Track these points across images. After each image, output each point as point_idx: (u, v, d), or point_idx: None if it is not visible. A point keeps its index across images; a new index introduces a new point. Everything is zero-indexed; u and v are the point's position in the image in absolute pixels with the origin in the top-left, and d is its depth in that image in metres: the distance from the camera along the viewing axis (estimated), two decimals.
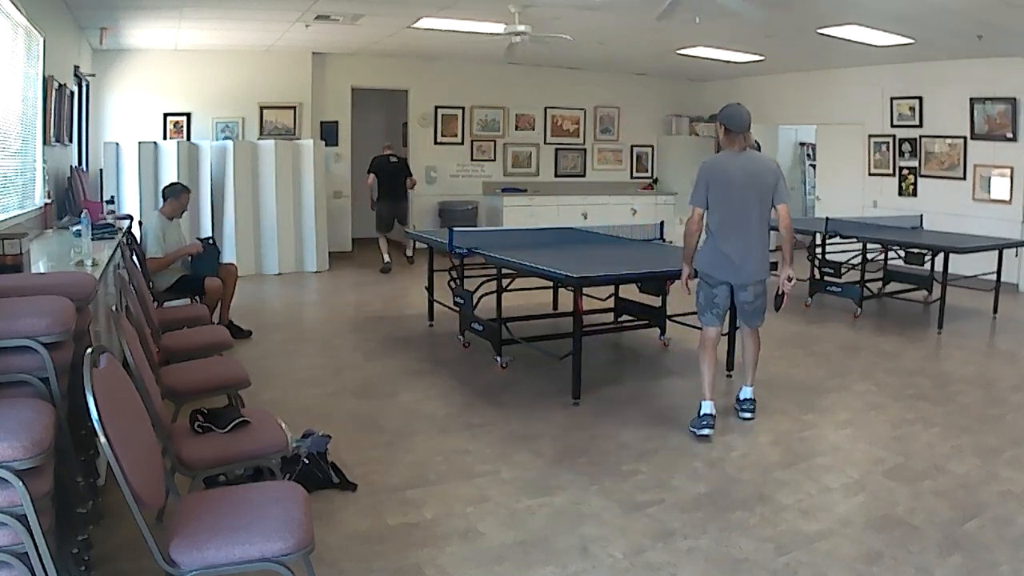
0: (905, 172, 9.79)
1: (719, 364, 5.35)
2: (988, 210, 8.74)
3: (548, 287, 6.44)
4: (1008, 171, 8.64)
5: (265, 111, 9.97)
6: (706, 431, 4.11)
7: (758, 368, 4.56)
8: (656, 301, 6.02)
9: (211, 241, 6.25)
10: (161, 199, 6.08)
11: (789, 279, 4.22)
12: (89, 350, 1.96)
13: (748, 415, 4.40)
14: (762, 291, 4.32)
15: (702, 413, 4.17)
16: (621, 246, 6.23)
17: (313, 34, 8.50)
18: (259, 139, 9.65)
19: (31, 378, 2.25)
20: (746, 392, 4.48)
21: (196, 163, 8.88)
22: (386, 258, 9.49)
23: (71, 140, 7.16)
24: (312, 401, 4.71)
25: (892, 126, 9.84)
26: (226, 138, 9.59)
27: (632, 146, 12.52)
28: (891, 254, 7.72)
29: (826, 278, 7.66)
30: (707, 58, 9.78)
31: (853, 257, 7.57)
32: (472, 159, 11.45)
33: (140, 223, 6.49)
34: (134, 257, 5.23)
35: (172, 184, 6.22)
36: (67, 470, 2.37)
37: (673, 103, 12.57)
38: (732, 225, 4.13)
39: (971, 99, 8.86)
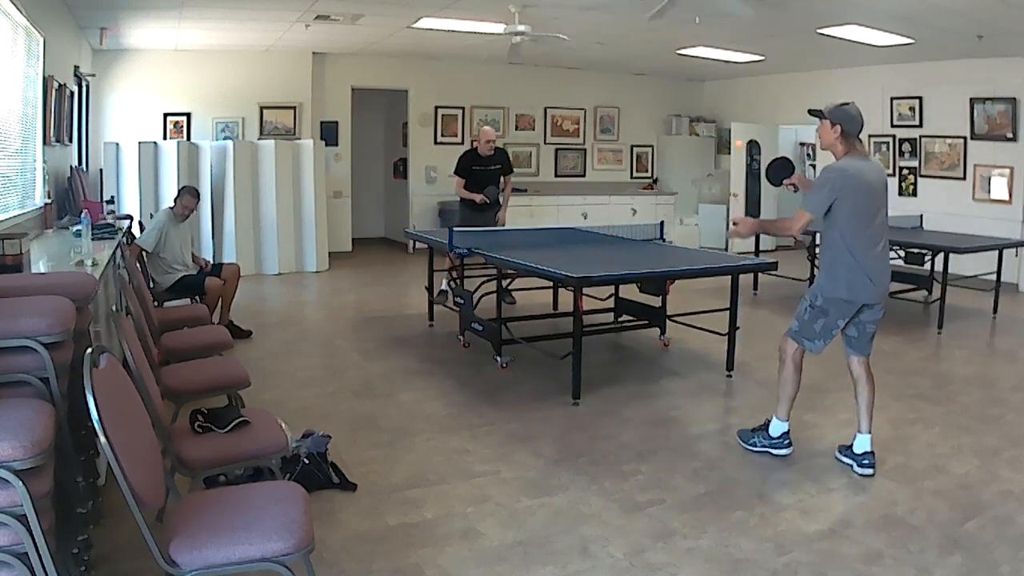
0: (905, 172, 9.79)
1: (722, 365, 5.37)
2: (988, 210, 8.74)
3: (548, 287, 6.44)
4: (1008, 171, 8.65)
5: (265, 111, 9.96)
6: (786, 451, 3.89)
7: (767, 371, 4.33)
8: (656, 301, 6.02)
9: (208, 267, 6.20)
10: (176, 198, 6.09)
11: (735, 223, 4.03)
12: (89, 350, 1.96)
13: (870, 471, 3.66)
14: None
15: (783, 433, 3.90)
16: (621, 246, 6.23)
17: (313, 34, 8.50)
18: (259, 139, 9.65)
19: (31, 378, 2.25)
20: (864, 443, 3.73)
21: (196, 163, 8.88)
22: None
23: (71, 140, 7.16)
24: (312, 401, 4.71)
25: (892, 126, 9.84)
26: (226, 138, 9.59)
27: (632, 146, 12.52)
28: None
29: None
30: (707, 58, 9.78)
31: None
32: None
33: (141, 224, 6.49)
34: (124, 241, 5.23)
35: (186, 186, 6.29)
36: (67, 470, 2.37)
37: (673, 103, 12.58)
38: (877, 240, 3.65)
39: (971, 99, 8.86)
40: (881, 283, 3.70)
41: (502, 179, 7.31)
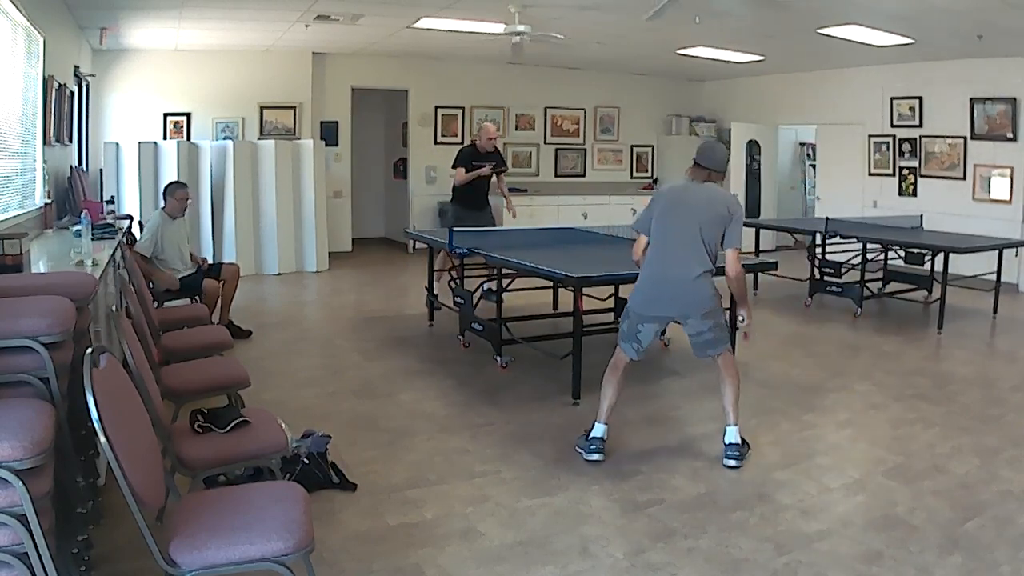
0: (905, 172, 9.79)
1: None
2: (988, 210, 8.74)
3: (548, 287, 6.44)
4: (1008, 171, 8.64)
5: (265, 111, 9.96)
6: (595, 456, 3.77)
7: (767, 371, 4.26)
8: None
9: (205, 265, 6.21)
10: (163, 196, 6.06)
11: (741, 320, 3.91)
12: (89, 350, 1.96)
13: (733, 462, 3.74)
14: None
15: (592, 436, 3.82)
16: (621, 246, 6.20)
17: (313, 34, 8.49)
18: (259, 139, 9.65)
19: (31, 378, 2.25)
20: (731, 435, 3.81)
21: (196, 163, 8.88)
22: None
23: (71, 140, 7.16)
24: (312, 401, 4.71)
25: (892, 126, 9.84)
26: (226, 138, 9.59)
27: (632, 146, 12.51)
28: (891, 254, 7.72)
29: (826, 278, 7.66)
30: (707, 58, 9.78)
31: (853, 257, 7.56)
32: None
33: (141, 224, 6.48)
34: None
35: (174, 182, 6.23)
36: (67, 470, 2.37)
37: (673, 103, 12.57)
38: (667, 257, 3.76)
39: (971, 99, 8.86)
40: (650, 298, 3.82)
41: (495, 176, 7.36)
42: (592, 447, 3.81)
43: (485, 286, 6.03)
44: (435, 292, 6.77)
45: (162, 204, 5.99)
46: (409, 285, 8.54)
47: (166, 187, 6.08)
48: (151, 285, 5.42)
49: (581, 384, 4.68)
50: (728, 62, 10.05)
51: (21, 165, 5.17)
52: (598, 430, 3.84)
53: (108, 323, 3.60)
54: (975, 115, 8.87)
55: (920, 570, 2.82)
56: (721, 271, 3.79)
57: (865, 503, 3.41)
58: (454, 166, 7.35)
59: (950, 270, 6.74)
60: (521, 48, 7.35)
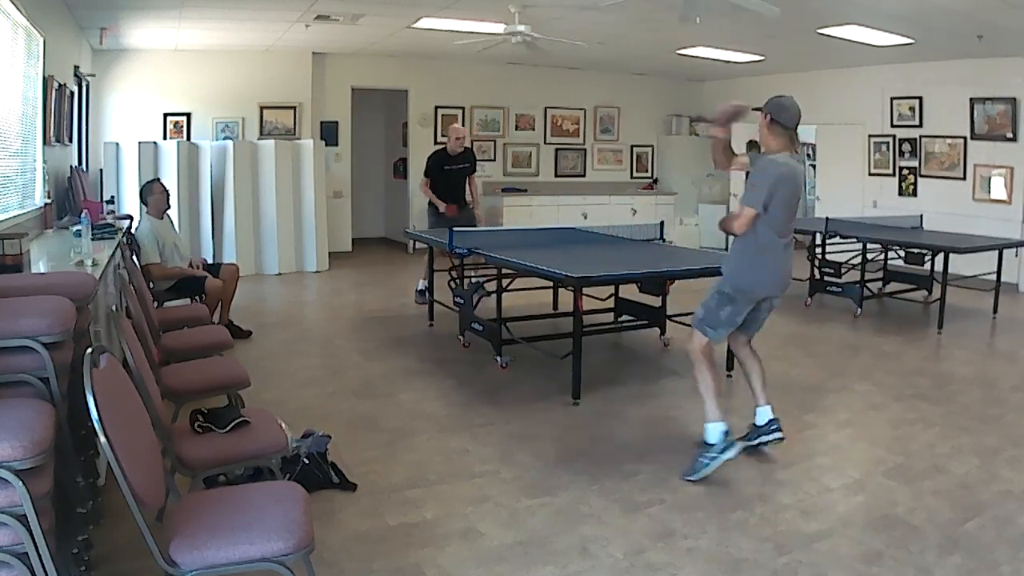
0: (905, 172, 9.79)
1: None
2: (988, 210, 8.74)
3: (548, 287, 6.44)
4: (1008, 171, 8.64)
5: (265, 111, 9.96)
6: (732, 451, 3.59)
7: (767, 371, 4.09)
8: (656, 301, 6.01)
9: (205, 264, 6.21)
10: (141, 202, 5.96)
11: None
12: (89, 350, 1.96)
13: (780, 434, 3.84)
14: None
15: (725, 431, 3.61)
16: (621, 246, 6.23)
17: (313, 34, 8.50)
18: (259, 139, 9.65)
19: (31, 378, 2.25)
20: (767, 412, 3.89)
21: (196, 163, 8.88)
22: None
23: (71, 140, 7.16)
24: (312, 401, 4.71)
25: (892, 126, 9.84)
26: (226, 138, 9.59)
27: (632, 146, 12.52)
28: (891, 254, 7.72)
29: (826, 278, 7.66)
30: (707, 58, 9.78)
31: (853, 257, 7.56)
32: None
33: (131, 231, 6.39)
34: (134, 258, 5.22)
35: (144, 184, 6.12)
36: (67, 470, 2.37)
37: (673, 103, 12.57)
38: (786, 236, 3.69)
39: (971, 99, 8.86)
40: (786, 279, 3.79)
41: (467, 178, 7.39)
42: (726, 443, 3.57)
43: (475, 279, 6.13)
44: (419, 288, 6.98)
45: (144, 209, 5.90)
46: (409, 285, 8.52)
47: (141, 190, 6.00)
48: (151, 285, 5.43)
49: (581, 384, 4.68)
50: (728, 62, 10.06)
51: (21, 165, 5.17)
52: (718, 427, 3.61)
53: (108, 323, 3.60)
54: (975, 115, 8.87)
55: (920, 570, 2.82)
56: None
57: (865, 503, 3.41)
58: (425, 175, 7.33)
59: (950, 270, 6.74)
60: (526, 47, 7.36)
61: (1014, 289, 8.46)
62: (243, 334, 6.08)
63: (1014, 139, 8.56)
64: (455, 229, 6.07)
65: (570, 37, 7.81)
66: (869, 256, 7.42)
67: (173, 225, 6.15)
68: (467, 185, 7.39)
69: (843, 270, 7.61)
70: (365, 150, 11.63)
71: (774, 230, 3.60)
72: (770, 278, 3.71)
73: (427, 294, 6.84)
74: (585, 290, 4.68)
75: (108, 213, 6.13)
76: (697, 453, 3.67)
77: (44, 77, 5.59)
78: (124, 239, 5.31)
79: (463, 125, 11.17)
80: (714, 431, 3.64)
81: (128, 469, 1.84)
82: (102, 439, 1.80)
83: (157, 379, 3.07)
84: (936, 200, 9.22)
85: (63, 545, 2.23)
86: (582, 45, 7.55)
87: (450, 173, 7.19)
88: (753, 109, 3.75)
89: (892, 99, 9.76)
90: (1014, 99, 8.50)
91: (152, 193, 5.86)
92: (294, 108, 10.07)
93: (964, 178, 9.07)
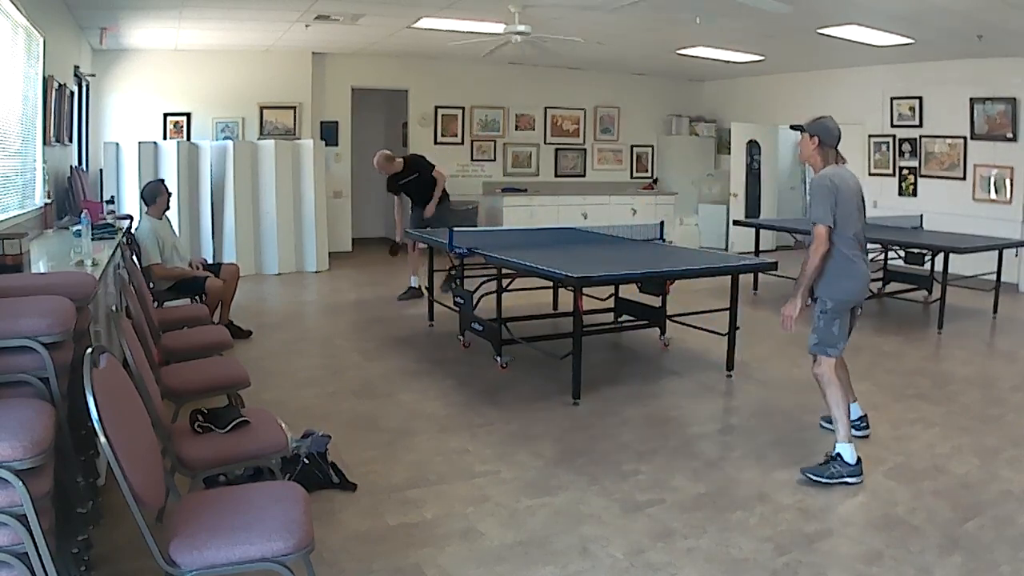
0: (905, 172, 9.79)
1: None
2: (988, 210, 8.74)
3: (548, 287, 6.44)
4: (1008, 171, 8.64)
5: (265, 111, 9.96)
6: (857, 477, 3.56)
7: (767, 371, 4.34)
8: (656, 301, 6.01)
9: (205, 264, 6.23)
10: (143, 202, 5.95)
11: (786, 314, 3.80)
12: (89, 350, 1.96)
13: (869, 429, 4.13)
14: None
15: (854, 459, 3.58)
16: (621, 246, 6.23)
17: (313, 34, 8.49)
18: (259, 139, 9.65)
19: (31, 378, 2.25)
20: (858, 409, 4.14)
21: (196, 163, 8.88)
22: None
23: (71, 140, 7.16)
24: (312, 401, 4.71)
25: (892, 126, 9.84)
26: (226, 138, 9.59)
27: (632, 146, 12.51)
28: (891, 254, 7.72)
29: None
30: (707, 58, 9.78)
31: None
32: (472, 159, 11.45)
33: (131, 231, 6.38)
34: (134, 258, 5.22)
35: (148, 184, 6.09)
36: (67, 470, 2.37)
37: (673, 103, 12.57)
38: (861, 240, 3.83)
39: (971, 99, 8.86)
40: (867, 282, 3.91)
41: (428, 181, 7.80)
42: (855, 467, 3.56)
43: (454, 272, 6.33)
44: (415, 286, 7.29)
45: (144, 209, 5.90)
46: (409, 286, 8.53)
47: (143, 191, 5.98)
48: (152, 285, 5.43)
49: (581, 384, 4.68)
50: (728, 62, 10.05)
51: (21, 165, 5.17)
52: (853, 448, 3.59)
53: (108, 323, 3.60)
54: (975, 115, 8.86)
55: (920, 570, 2.82)
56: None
57: (865, 503, 3.41)
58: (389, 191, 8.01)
59: (950, 270, 6.74)
60: (525, 48, 7.38)
61: (1014, 289, 8.46)
62: (243, 334, 6.08)
63: (1014, 139, 8.56)
64: (455, 229, 6.07)
65: (570, 37, 7.81)
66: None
67: (171, 225, 6.15)
68: (434, 187, 7.84)
69: None
70: (365, 150, 11.56)
71: (850, 238, 3.74)
72: (860, 284, 3.85)
73: (415, 292, 7.53)
74: (585, 290, 4.68)
75: (108, 213, 6.12)
76: (833, 462, 3.58)
77: (44, 77, 5.59)
78: (124, 239, 5.32)
79: (463, 125, 11.24)
80: (851, 451, 3.59)
81: (128, 469, 1.84)
82: (102, 439, 1.80)
83: (157, 379, 3.07)
84: (936, 200, 9.22)
85: (63, 545, 2.23)
86: (579, 41, 7.56)
87: (406, 185, 7.83)
88: (792, 127, 4.06)
89: (892, 99, 9.76)
90: (1014, 99, 8.50)
91: (159, 194, 5.87)
92: (294, 108, 10.07)
93: (964, 178, 9.07)
